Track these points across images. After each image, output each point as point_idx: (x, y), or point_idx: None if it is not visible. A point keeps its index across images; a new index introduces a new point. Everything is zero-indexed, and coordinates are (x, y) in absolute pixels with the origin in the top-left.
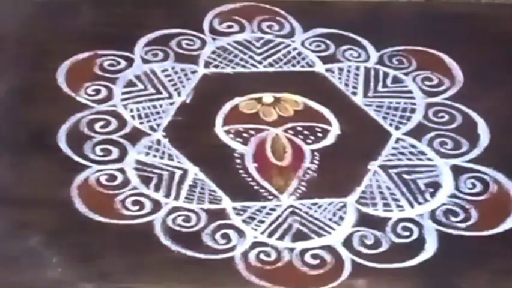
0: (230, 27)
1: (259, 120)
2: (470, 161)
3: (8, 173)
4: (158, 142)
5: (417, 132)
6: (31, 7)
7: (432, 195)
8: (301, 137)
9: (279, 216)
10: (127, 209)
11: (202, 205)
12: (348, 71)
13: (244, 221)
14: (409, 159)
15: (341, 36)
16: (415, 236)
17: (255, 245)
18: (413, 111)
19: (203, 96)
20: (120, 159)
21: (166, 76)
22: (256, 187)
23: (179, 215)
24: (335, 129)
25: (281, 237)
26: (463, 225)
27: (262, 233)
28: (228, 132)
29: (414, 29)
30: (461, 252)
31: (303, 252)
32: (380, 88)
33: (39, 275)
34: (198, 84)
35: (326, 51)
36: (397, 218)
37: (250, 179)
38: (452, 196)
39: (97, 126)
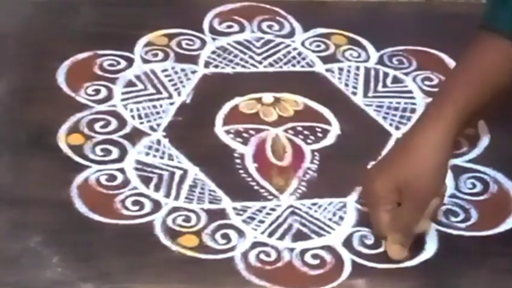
0: (230, 27)
1: (259, 120)
2: (470, 161)
3: (8, 173)
4: (158, 142)
5: None
6: (31, 7)
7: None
8: (301, 137)
9: (279, 216)
10: (127, 209)
11: (202, 205)
12: (348, 71)
13: (244, 221)
14: None
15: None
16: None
17: (255, 245)
18: (413, 111)
19: (203, 96)
20: (120, 159)
21: (166, 76)
22: (256, 187)
23: (179, 215)
24: (335, 129)
25: (281, 237)
26: (462, 225)
27: (262, 233)
28: (228, 132)
29: (414, 29)
30: (461, 252)
31: (303, 252)
32: (380, 88)
33: (39, 275)
34: (198, 84)
35: (326, 51)
36: None
37: (250, 179)
38: (452, 196)
39: (97, 126)
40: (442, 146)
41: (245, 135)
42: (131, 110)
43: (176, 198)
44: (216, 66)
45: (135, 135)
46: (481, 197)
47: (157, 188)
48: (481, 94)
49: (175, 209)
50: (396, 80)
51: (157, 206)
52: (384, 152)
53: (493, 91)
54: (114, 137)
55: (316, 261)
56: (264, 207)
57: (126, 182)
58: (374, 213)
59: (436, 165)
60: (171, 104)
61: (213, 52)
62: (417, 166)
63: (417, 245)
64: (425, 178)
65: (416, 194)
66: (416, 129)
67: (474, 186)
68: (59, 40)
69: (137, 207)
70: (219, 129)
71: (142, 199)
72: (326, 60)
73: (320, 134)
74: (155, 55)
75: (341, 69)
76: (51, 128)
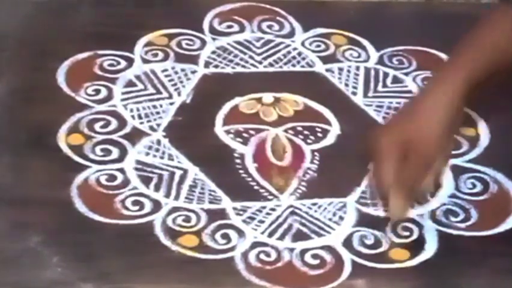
0: (230, 27)
1: (259, 120)
2: (470, 161)
3: (8, 173)
4: (158, 142)
5: None
6: (31, 7)
7: (433, 195)
8: (301, 137)
9: (279, 216)
10: (127, 209)
11: (202, 205)
12: (348, 71)
13: (244, 221)
14: None
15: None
16: (415, 236)
17: (255, 245)
18: None
19: (203, 96)
20: (120, 159)
21: (166, 76)
22: (256, 187)
23: (179, 215)
24: (335, 129)
25: (281, 237)
26: (462, 225)
27: (262, 233)
28: (228, 132)
29: (414, 29)
30: (461, 252)
31: (303, 252)
32: (380, 88)
33: (39, 275)
34: (198, 84)
35: (326, 51)
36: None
37: (250, 179)
38: (452, 196)
39: (97, 126)
40: (450, 106)
41: (245, 135)
42: (131, 110)
43: (176, 198)
44: (216, 66)
45: (135, 135)
46: (481, 197)
47: (157, 188)
48: (490, 61)
49: (175, 209)
50: (396, 80)
51: (157, 206)
52: None
53: (503, 59)
54: (114, 137)
55: (317, 261)
56: (264, 207)
57: (126, 182)
58: (378, 167)
59: (442, 122)
60: (171, 104)
61: (213, 52)
62: (423, 123)
63: (417, 245)
64: (431, 133)
65: (421, 148)
66: (424, 91)
67: (474, 186)
68: (59, 40)
69: (137, 207)
70: (219, 129)
71: (142, 199)
72: (326, 60)
73: (319, 134)
74: (155, 55)
75: (341, 69)
76: (51, 128)
